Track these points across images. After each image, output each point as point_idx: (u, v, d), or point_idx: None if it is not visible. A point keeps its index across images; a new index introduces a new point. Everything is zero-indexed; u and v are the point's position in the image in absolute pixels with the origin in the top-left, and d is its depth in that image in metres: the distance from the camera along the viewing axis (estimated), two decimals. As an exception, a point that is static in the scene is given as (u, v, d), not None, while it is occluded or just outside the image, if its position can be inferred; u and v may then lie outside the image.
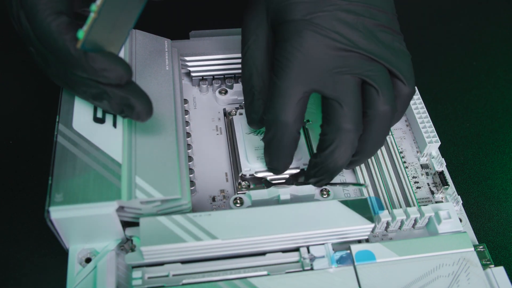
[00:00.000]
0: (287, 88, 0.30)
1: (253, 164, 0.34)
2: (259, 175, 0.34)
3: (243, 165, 0.34)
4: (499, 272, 0.30)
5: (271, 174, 0.34)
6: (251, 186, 0.34)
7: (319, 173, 0.32)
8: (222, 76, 0.40)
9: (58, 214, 0.27)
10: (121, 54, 0.35)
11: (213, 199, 0.34)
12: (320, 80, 0.30)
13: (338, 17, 0.30)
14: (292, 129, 0.30)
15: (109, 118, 0.31)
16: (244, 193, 0.33)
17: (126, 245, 0.30)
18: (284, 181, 0.34)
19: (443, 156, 0.36)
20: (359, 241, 0.31)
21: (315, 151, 0.36)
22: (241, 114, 0.37)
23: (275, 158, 0.32)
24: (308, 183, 0.33)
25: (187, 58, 0.38)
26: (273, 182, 0.34)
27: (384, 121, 0.31)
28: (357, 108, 0.30)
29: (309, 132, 0.37)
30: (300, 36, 0.30)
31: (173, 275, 0.29)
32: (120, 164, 0.29)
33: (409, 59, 0.32)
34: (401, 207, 0.33)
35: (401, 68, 0.31)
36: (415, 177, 0.36)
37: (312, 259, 0.30)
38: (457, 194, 0.35)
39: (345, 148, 0.30)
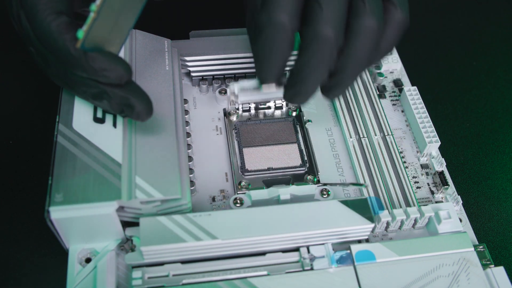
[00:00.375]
0: None
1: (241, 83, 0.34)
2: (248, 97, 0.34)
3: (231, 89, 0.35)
4: (499, 272, 0.30)
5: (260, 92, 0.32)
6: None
7: (294, 84, 0.29)
8: (222, 76, 0.40)
9: (58, 214, 0.27)
10: (121, 54, 0.35)
11: (213, 199, 0.34)
12: None
13: None
14: (287, 29, 0.27)
15: (109, 118, 0.31)
16: (244, 193, 0.33)
17: (126, 245, 0.30)
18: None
19: (443, 156, 0.36)
20: (359, 241, 0.31)
21: (314, 150, 0.36)
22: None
23: (267, 65, 0.29)
24: (285, 99, 0.31)
25: (187, 58, 0.38)
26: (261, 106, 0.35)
27: (368, 36, 0.28)
28: (339, 14, 0.27)
29: (309, 132, 0.37)
30: None
31: (173, 275, 0.29)
32: (120, 164, 0.29)
33: None
34: (401, 207, 0.33)
35: None
36: (415, 177, 0.36)
37: (312, 259, 0.30)
38: (457, 194, 0.35)
39: (322, 56, 0.28)
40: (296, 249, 0.30)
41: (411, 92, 0.39)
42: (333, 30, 0.27)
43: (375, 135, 0.37)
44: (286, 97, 0.31)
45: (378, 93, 0.40)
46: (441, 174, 0.35)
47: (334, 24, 0.27)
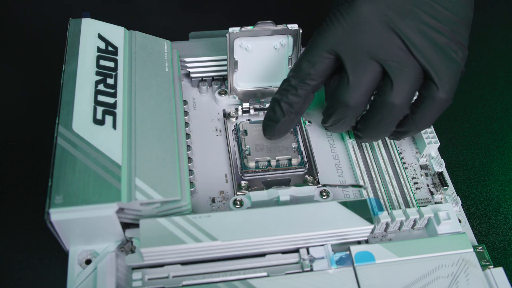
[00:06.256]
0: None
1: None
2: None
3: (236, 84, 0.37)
4: (498, 272, 0.30)
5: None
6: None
7: (364, 133, 0.34)
8: (222, 77, 0.40)
9: (58, 216, 0.27)
10: (121, 55, 0.35)
11: (213, 200, 0.34)
12: (346, 48, 0.31)
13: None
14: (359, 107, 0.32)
15: (108, 120, 0.31)
16: (244, 194, 0.33)
17: (126, 247, 0.30)
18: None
19: (442, 157, 0.36)
20: (359, 242, 0.31)
21: (313, 151, 0.36)
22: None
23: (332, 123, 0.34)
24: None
25: (187, 59, 0.38)
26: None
27: (390, 113, 0.31)
28: (365, 90, 0.31)
29: (308, 133, 0.37)
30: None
31: (173, 277, 0.29)
32: (120, 166, 0.29)
33: (455, 69, 0.31)
34: (400, 208, 0.33)
35: (439, 71, 0.31)
36: (415, 178, 0.36)
37: (312, 260, 0.30)
38: (456, 195, 0.35)
39: (389, 121, 0.32)
40: (296, 250, 0.31)
41: (411, 93, 0.39)
42: (400, 100, 0.31)
43: (375, 136, 0.37)
44: (357, 136, 0.35)
45: (377, 94, 0.40)
46: (440, 175, 0.35)
47: (403, 95, 0.31)
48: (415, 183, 0.36)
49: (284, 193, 0.33)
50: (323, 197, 0.33)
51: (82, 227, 0.29)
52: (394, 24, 0.30)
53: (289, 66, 0.37)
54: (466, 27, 0.32)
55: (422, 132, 0.37)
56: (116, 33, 0.36)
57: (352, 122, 0.33)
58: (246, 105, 0.38)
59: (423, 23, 0.30)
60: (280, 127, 0.34)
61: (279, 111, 0.33)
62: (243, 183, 0.34)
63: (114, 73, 0.34)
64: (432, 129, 0.37)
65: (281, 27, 0.35)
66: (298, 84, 0.32)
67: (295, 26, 0.35)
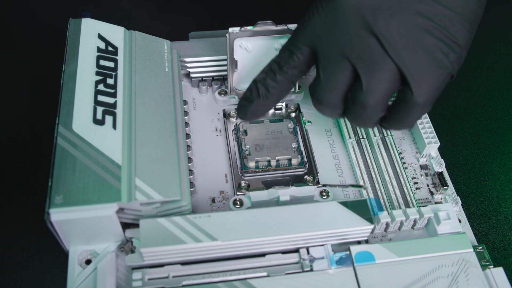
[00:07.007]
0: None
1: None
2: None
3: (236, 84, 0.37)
4: (498, 272, 0.30)
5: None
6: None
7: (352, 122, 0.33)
8: (222, 77, 0.40)
9: (58, 216, 0.27)
10: (121, 55, 0.35)
11: (213, 200, 0.34)
12: (323, 41, 0.30)
13: None
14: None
15: (108, 120, 0.31)
16: (244, 194, 0.33)
17: (126, 247, 0.30)
18: None
19: (442, 157, 0.36)
20: (359, 242, 0.31)
21: (313, 151, 0.36)
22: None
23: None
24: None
25: (187, 59, 0.38)
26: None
27: (363, 113, 0.30)
28: (335, 88, 0.30)
29: (308, 133, 0.37)
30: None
31: (173, 277, 0.29)
32: (120, 166, 0.29)
33: (440, 72, 0.29)
34: (400, 208, 0.33)
35: (416, 75, 0.28)
36: (415, 178, 0.36)
37: (312, 260, 0.30)
38: (456, 195, 0.35)
39: (363, 119, 0.31)
40: (296, 250, 0.31)
41: (411, 93, 0.39)
42: (372, 102, 0.29)
43: (374, 136, 0.37)
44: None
45: (377, 94, 0.40)
46: (440, 174, 0.35)
47: (374, 97, 0.29)
48: (415, 183, 0.36)
49: (284, 193, 0.33)
50: (323, 197, 0.33)
51: (82, 227, 0.29)
52: (372, 22, 0.28)
53: (289, 66, 0.37)
54: (467, 25, 0.29)
55: (422, 132, 0.37)
56: (116, 33, 0.36)
57: (335, 115, 0.32)
58: (246, 105, 0.38)
59: (408, 21, 0.28)
60: (253, 109, 0.33)
61: (255, 92, 0.33)
62: (243, 183, 0.34)
63: (114, 73, 0.34)
64: (432, 129, 0.37)
65: (281, 27, 0.35)
66: (277, 70, 0.32)
67: (295, 26, 0.36)
